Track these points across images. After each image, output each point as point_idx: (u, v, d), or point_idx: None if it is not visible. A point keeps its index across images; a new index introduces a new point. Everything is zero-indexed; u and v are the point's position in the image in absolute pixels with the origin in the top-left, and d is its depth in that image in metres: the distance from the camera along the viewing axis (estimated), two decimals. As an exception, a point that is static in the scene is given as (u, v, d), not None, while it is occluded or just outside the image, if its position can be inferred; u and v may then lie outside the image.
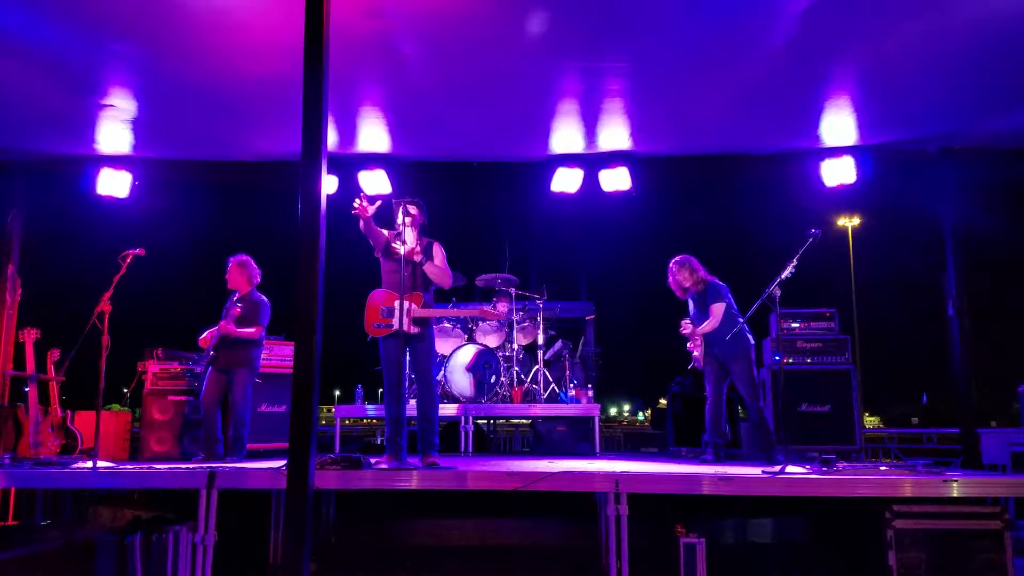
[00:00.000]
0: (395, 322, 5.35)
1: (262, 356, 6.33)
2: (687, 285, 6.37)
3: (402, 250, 5.40)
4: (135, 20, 4.93)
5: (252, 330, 6.03)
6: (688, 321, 6.40)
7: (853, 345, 7.44)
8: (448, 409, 7.23)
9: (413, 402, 6.09)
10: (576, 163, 7.38)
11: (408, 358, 5.54)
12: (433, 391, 5.54)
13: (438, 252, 5.62)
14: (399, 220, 5.52)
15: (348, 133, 6.92)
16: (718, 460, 6.14)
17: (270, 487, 5.07)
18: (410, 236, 5.56)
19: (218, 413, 6.04)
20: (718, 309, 6.14)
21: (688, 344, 6.40)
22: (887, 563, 4.63)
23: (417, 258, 5.45)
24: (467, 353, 7.71)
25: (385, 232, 5.58)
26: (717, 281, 6.31)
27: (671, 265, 6.43)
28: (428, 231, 5.74)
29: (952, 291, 6.90)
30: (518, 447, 10.93)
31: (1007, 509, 4.75)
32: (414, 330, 5.42)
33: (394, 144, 7.20)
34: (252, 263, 6.25)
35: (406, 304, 5.38)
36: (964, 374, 6.81)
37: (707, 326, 6.17)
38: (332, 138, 6.92)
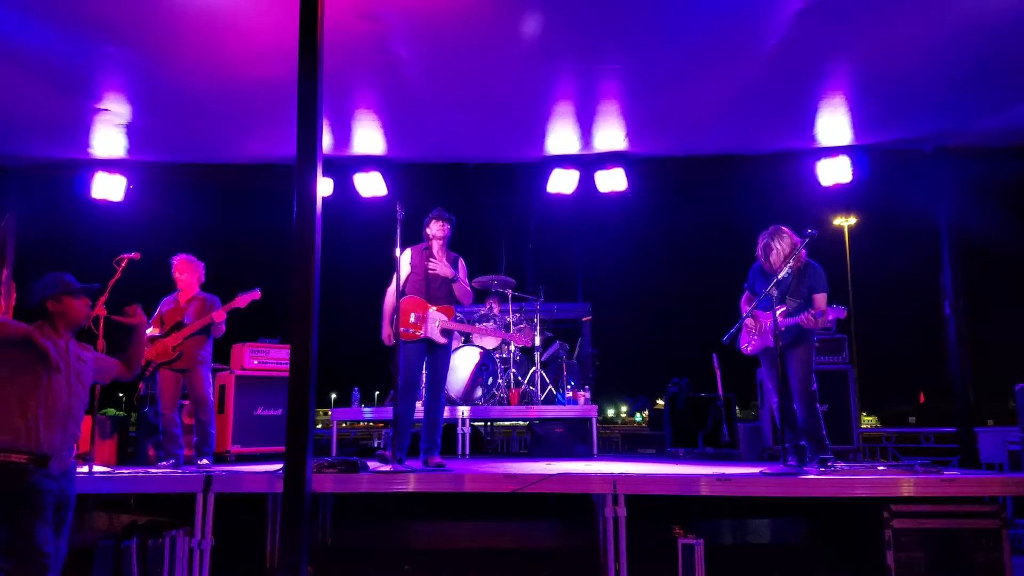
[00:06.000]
0: (424, 330, 5.55)
1: (258, 360, 6.30)
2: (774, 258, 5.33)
3: (436, 267, 5.61)
4: (128, 24, 4.91)
5: (222, 327, 5.92)
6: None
7: (850, 345, 7.44)
8: (445, 412, 7.21)
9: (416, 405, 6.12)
10: (572, 164, 7.38)
11: (425, 364, 5.67)
12: (442, 398, 5.73)
13: (462, 269, 5.83)
14: (431, 232, 5.70)
15: (343, 135, 6.91)
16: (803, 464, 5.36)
17: (267, 491, 5.06)
18: (439, 249, 5.73)
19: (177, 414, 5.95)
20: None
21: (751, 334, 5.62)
22: (885, 563, 4.63)
23: (449, 274, 5.64)
24: (467, 356, 7.70)
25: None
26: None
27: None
28: (451, 244, 5.88)
29: (949, 290, 6.90)
30: (515, 449, 10.91)
31: (1005, 508, 4.75)
32: (441, 340, 5.64)
33: (389, 146, 7.19)
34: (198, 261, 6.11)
35: (437, 314, 5.61)
36: (961, 373, 6.81)
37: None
38: (327, 140, 6.90)
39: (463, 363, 7.65)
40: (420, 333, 5.55)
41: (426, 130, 6.88)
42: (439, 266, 5.62)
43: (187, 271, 6.01)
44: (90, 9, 4.75)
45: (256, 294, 5.90)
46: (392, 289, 5.71)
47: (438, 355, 5.69)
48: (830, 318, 5.21)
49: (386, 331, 5.71)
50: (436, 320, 5.59)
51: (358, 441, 10.32)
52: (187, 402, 6.26)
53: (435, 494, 4.99)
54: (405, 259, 5.72)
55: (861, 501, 4.84)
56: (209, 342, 5.99)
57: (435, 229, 5.70)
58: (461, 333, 8.04)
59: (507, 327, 8.00)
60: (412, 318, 5.56)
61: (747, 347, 5.69)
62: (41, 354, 3.36)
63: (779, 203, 8.37)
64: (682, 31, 5.11)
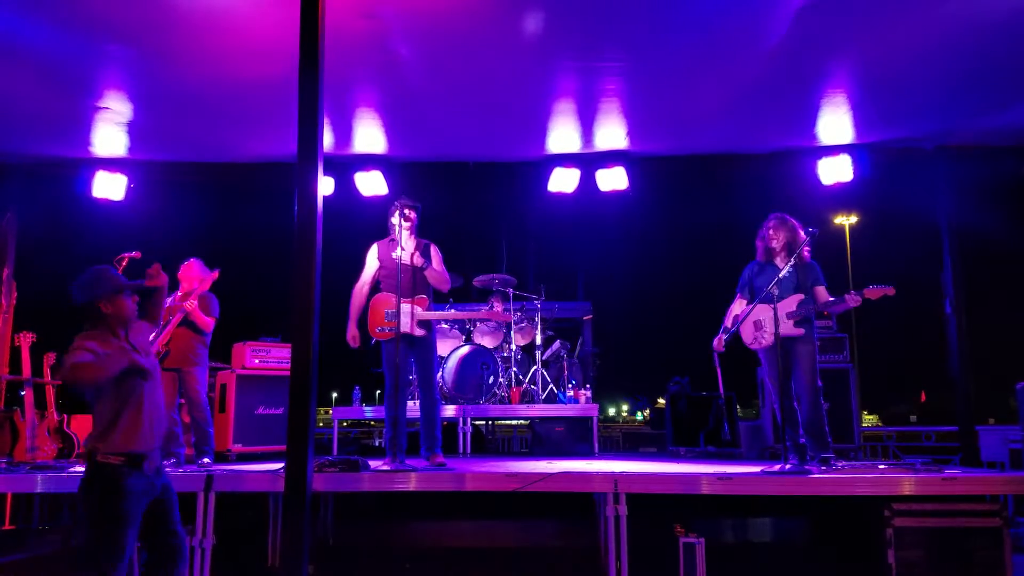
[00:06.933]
0: (400, 325, 5.30)
1: (259, 359, 6.27)
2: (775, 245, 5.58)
3: (401, 256, 5.39)
4: (129, 22, 4.91)
5: (209, 320, 5.86)
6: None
7: (851, 343, 7.44)
8: (446, 410, 7.21)
9: (411, 403, 6.06)
10: (573, 163, 7.37)
11: (411, 360, 5.55)
12: (435, 393, 5.59)
13: (435, 255, 5.62)
14: (395, 222, 5.50)
15: (344, 134, 6.91)
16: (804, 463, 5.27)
17: (268, 490, 5.06)
18: (406, 239, 5.54)
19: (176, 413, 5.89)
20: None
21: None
22: (887, 561, 4.63)
23: (419, 263, 5.45)
24: (459, 353, 7.69)
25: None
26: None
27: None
28: (421, 232, 5.72)
29: (950, 289, 6.89)
30: (516, 448, 10.92)
31: (1006, 506, 4.75)
32: (419, 333, 5.45)
33: (390, 145, 7.19)
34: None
35: (410, 307, 5.40)
36: (962, 371, 6.80)
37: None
38: (328, 139, 6.90)
39: (454, 360, 7.64)
40: (398, 329, 5.31)
41: (427, 129, 6.87)
42: (406, 255, 5.40)
43: (191, 273, 5.96)
44: (91, 7, 4.74)
45: (215, 274, 5.83)
46: (358, 287, 5.58)
47: (421, 350, 5.52)
48: (877, 296, 5.22)
49: (351, 331, 5.52)
50: (411, 313, 5.38)
51: (360, 440, 10.32)
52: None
53: (436, 493, 4.98)
54: (372, 255, 5.60)
55: (862, 500, 4.84)
56: (203, 342, 5.90)
57: (400, 218, 5.46)
58: (462, 331, 8.04)
59: (509, 327, 7.99)
60: (386, 315, 5.39)
61: (754, 343, 5.60)
62: (139, 371, 3.42)
63: (780, 202, 8.31)
64: (683, 29, 5.10)
